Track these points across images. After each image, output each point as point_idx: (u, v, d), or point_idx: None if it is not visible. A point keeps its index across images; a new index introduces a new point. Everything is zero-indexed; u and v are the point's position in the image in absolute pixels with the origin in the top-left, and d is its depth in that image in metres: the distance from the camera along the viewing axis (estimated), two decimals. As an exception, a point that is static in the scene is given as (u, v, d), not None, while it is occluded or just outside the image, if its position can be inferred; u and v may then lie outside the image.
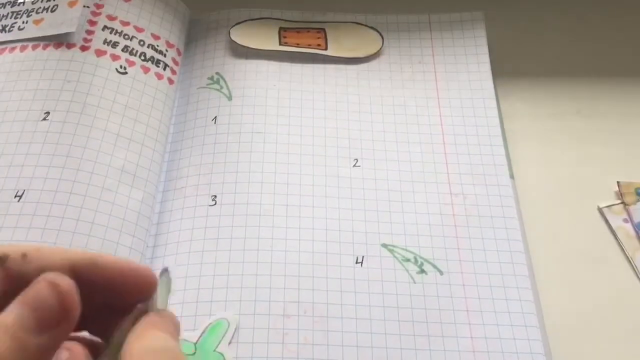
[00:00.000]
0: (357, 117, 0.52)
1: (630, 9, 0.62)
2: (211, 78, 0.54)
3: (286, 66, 0.55)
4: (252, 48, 0.55)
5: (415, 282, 0.44)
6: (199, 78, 0.54)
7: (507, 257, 0.45)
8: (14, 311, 0.22)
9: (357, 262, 0.44)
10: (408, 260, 0.45)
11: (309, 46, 0.56)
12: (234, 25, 0.56)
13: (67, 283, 0.23)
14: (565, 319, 0.44)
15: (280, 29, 0.57)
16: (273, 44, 0.56)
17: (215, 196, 0.47)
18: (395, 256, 0.45)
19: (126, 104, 0.50)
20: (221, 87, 0.53)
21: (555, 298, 0.45)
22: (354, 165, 0.49)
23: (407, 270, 0.44)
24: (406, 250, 0.45)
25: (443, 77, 0.55)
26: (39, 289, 0.22)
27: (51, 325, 0.22)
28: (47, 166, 0.46)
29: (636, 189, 0.50)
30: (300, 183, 0.48)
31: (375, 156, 0.50)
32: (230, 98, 0.52)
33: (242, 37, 0.56)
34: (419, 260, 0.45)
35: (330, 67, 0.55)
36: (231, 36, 0.56)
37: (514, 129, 0.54)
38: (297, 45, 0.56)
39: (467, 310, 0.42)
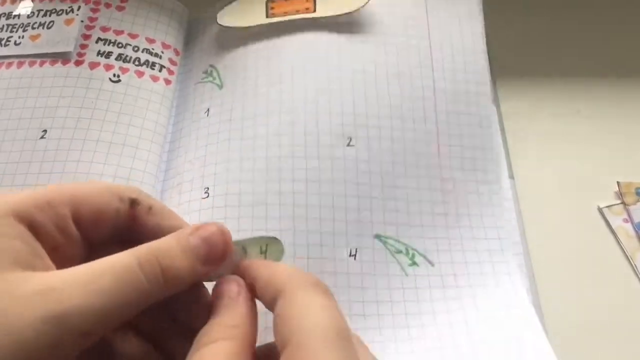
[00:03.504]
0: (350, 88, 0.49)
1: (631, 9, 0.62)
2: (206, 72, 0.54)
3: (276, 42, 0.52)
4: (239, 27, 0.53)
5: (407, 275, 0.43)
6: (196, 74, 0.54)
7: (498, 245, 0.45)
8: (194, 241, 0.27)
9: (350, 255, 0.44)
10: (400, 252, 0.44)
11: (297, 12, 0.53)
12: (220, 10, 0.55)
13: (229, 232, 0.29)
14: (565, 319, 0.44)
15: (267, 1, 0.55)
16: (260, 18, 0.53)
17: (208, 188, 0.46)
18: (387, 248, 0.44)
19: (119, 111, 0.50)
20: (214, 78, 0.53)
21: (555, 298, 0.45)
22: (348, 145, 0.47)
23: (399, 263, 0.44)
24: (398, 241, 0.45)
25: (437, 40, 0.53)
26: (213, 230, 0.28)
27: (215, 261, 0.28)
28: (46, 184, 0.46)
29: (636, 189, 0.50)
30: (292, 168, 0.46)
31: (369, 134, 0.48)
32: (221, 87, 0.52)
33: (229, 18, 0.54)
34: (410, 252, 0.44)
35: (322, 38, 0.52)
36: (218, 20, 0.54)
37: (514, 129, 0.54)
38: (285, 14, 0.54)
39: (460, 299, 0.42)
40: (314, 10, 0.53)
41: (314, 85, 0.50)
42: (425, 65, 0.52)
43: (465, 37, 0.54)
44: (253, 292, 0.29)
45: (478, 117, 0.50)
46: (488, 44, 0.56)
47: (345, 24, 0.53)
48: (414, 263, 0.44)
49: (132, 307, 0.25)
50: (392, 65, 0.51)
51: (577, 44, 0.60)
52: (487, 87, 0.52)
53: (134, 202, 0.29)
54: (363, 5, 0.53)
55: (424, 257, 0.44)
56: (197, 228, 0.28)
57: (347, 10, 0.53)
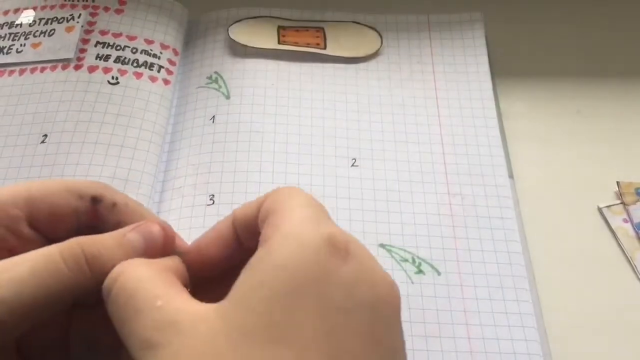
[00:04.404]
0: (356, 117, 0.52)
1: (630, 9, 0.62)
2: (210, 77, 0.54)
3: (285, 65, 0.55)
4: (250, 46, 0.55)
5: (413, 283, 0.44)
6: (197, 77, 0.54)
7: (505, 257, 0.45)
8: (132, 235, 0.27)
9: None
10: (406, 260, 0.45)
11: (308, 45, 0.56)
12: (232, 24, 0.56)
13: (171, 229, 0.28)
14: (565, 319, 0.44)
15: (279, 27, 0.57)
16: (272, 43, 0.55)
17: (213, 195, 0.47)
18: (393, 256, 0.45)
19: (118, 113, 0.51)
20: (219, 87, 0.53)
21: (555, 298, 0.45)
22: (352, 165, 0.49)
23: (405, 271, 0.44)
24: (404, 250, 0.45)
25: (442, 77, 0.54)
26: (152, 227, 0.27)
27: (153, 256, 0.27)
28: None
29: (636, 189, 0.50)
30: (298, 183, 0.48)
31: (373, 156, 0.50)
32: (228, 97, 0.52)
33: (241, 35, 0.56)
34: (417, 260, 0.45)
35: (329, 67, 0.55)
36: (230, 34, 0.55)
37: (514, 129, 0.54)
38: (296, 44, 0.56)
39: (465, 311, 0.42)
40: (324, 47, 0.56)
41: (321, 110, 0.52)
42: (430, 97, 0.53)
43: (470, 65, 0.55)
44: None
45: (486, 137, 0.51)
46: (488, 44, 0.57)
47: (353, 58, 0.56)
48: (420, 271, 0.44)
49: (53, 297, 0.25)
50: (397, 95, 0.53)
51: (577, 44, 0.60)
52: (492, 105, 0.53)
53: (95, 200, 0.28)
54: (372, 53, 0.56)
55: (431, 265, 0.44)
56: (138, 225, 0.27)
57: (356, 55, 0.56)
